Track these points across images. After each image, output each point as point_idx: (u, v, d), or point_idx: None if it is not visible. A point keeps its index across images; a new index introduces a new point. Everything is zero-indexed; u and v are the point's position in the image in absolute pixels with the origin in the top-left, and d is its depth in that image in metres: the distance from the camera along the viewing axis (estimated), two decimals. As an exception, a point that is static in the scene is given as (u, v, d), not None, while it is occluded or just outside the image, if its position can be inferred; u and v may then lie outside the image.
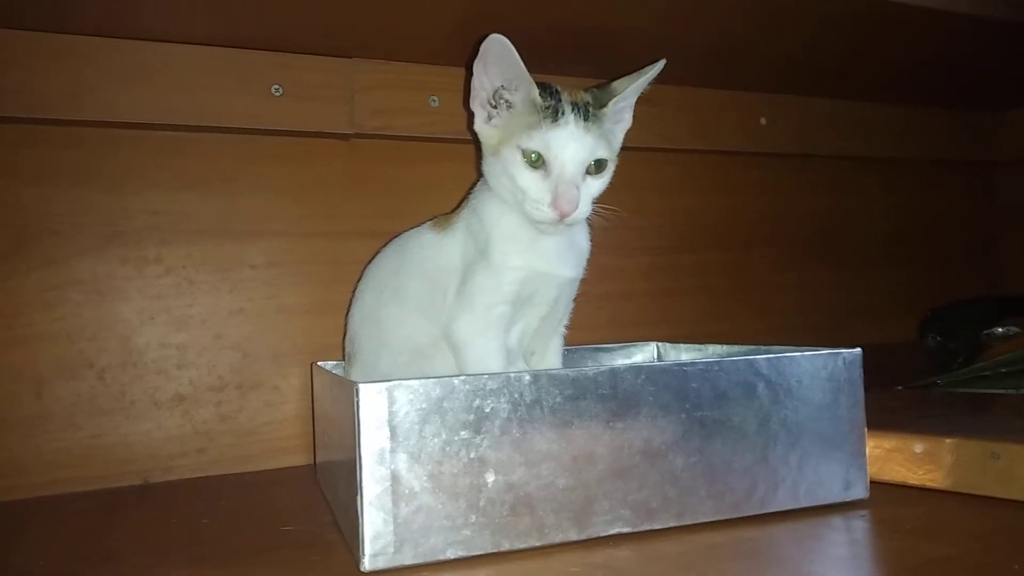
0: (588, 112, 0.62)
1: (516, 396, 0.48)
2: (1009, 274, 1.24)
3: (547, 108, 0.61)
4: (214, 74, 0.76)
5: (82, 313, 0.73)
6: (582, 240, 0.69)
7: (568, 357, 0.80)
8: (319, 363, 0.73)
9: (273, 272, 0.80)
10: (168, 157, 0.76)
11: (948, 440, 0.59)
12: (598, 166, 0.63)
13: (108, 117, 0.72)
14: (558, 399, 0.48)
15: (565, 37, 0.78)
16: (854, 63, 0.95)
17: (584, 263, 0.69)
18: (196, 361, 0.77)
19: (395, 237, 0.74)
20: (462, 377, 0.47)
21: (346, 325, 0.75)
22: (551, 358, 0.74)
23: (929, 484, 0.59)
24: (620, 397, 0.50)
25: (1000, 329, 0.96)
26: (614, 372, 0.50)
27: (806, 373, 0.55)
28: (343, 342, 0.76)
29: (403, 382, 0.46)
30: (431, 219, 0.72)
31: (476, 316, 0.64)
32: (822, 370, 0.55)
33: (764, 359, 0.54)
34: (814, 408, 0.55)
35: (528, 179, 0.61)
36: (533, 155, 0.61)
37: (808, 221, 1.11)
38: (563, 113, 0.61)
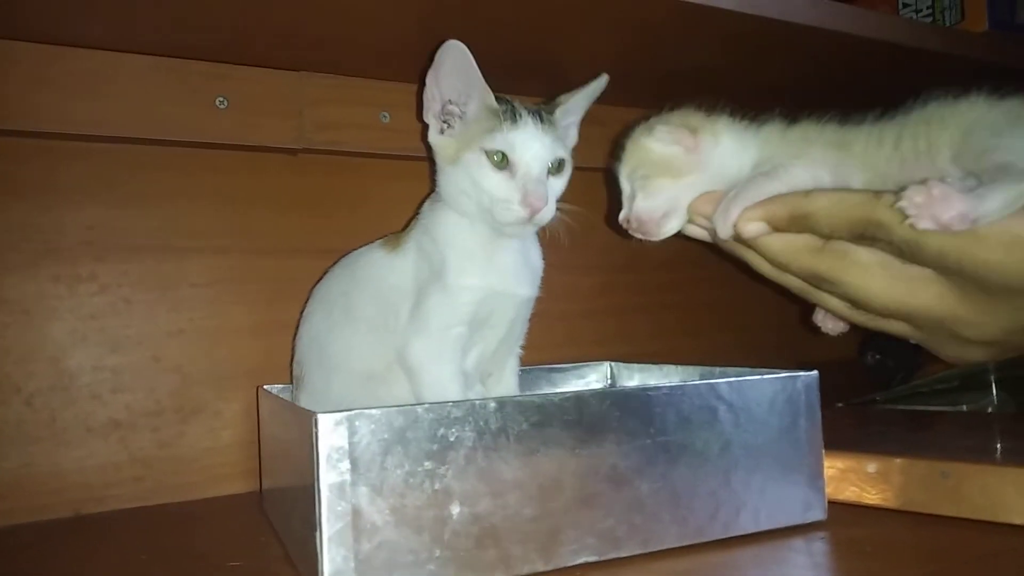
0: (542, 116, 0.63)
1: (481, 424, 0.46)
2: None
3: (505, 112, 0.61)
4: (156, 85, 0.72)
5: (8, 334, 0.68)
6: (535, 257, 0.69)
7: (523, 378, 0.79)
8: (265, 387, 0.71)
9: (215, 290, 0.77)
10: (106, 170, 0.73)
11: (898, 460, 0.60)
12: (559, 166, 0.64)
13: (42, 128, 0.68)
14: (524, 426, 0.47)
15: (518, 59, 0.77)
16: (807, 86, 0.97)
17: (539, 281, 0.69)
18: (132, 385, 0.73)
19: (343, 257, 0.72)
20: (425, 405, 0.45)
21: (293, 348, 0.72)
22: (507, 380, 0.73)
23: (883, 504, 0.60)
24: (586, 423, 0.49)
25: (936, 347, 0.99)
26: (580, 398, 0.49)
27: (766, 396, 0.55)
28: (291, 365, 0.73)
29: (364, 411, 0.44)
30: (381, 238, 0.71)
31: (432, 339, 0.63)
32: (781, 393, 0.56)
33: (725, 383, 0.54)
34: (774, 431, 0.55)
35: (494, 181, 0.61)
36: (497, 156, 0.61)
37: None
38: (520, 116, 0.62)
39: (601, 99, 0.78)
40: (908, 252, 0.40)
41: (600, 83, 0.68)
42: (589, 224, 0.98)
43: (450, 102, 0.63)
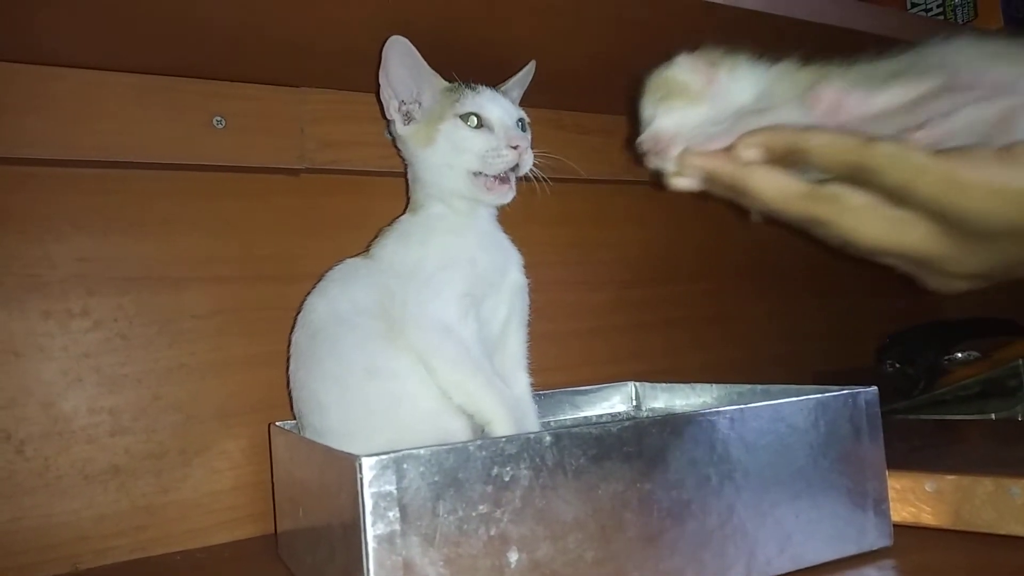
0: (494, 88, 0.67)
1: (537, 460, 0.42)
2: (949, 298, 1.27)
3: (461, 85, 0.65)
4: (148, 105, 0.68)
5: (-4, 378, 0.63)
6: (514, 249, 0.69)
7: (544, 402, 0.75)
8: (278, 423, 0.66)
9: (216, 322, 0.72)
10: (97, 197, 0.68)
11: (961, 477, 0.57)
12: (523, 126, 0.67)
13: (27, 154, 0.64)
14: (582, 460, 0.43)
15: (505, 70, 0.74)
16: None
17: (522, 268, 0.68)
18: (132, 426, 0.68)
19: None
20: (478, 443, 0.41)
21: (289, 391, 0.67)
22: (520, 394, 0.68)
23: (943, 525, 0.57)
24: (647, 454, 0.45)
25: (960, 354, 0.97)
26: (639, 427, 0.45)
27: (828, 415, 0.52)
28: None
29: (411, 452, 0.40)
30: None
31: (442, 302, 0.61)
32: (842, 411, 0.52)
33: (787, 403, 0.50)
34: (837, 452, 0.52)
35: (477, 138, 0.63)
36: (471, 119, 0.63)
37: (769, 250, 1.10)
38: (475, 86, 0.66)
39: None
40: (899, 195, 0.43)
41: (529, 69, 0.71)
42: (597, 240, 0.97)
43: (403, 103, 0.66)
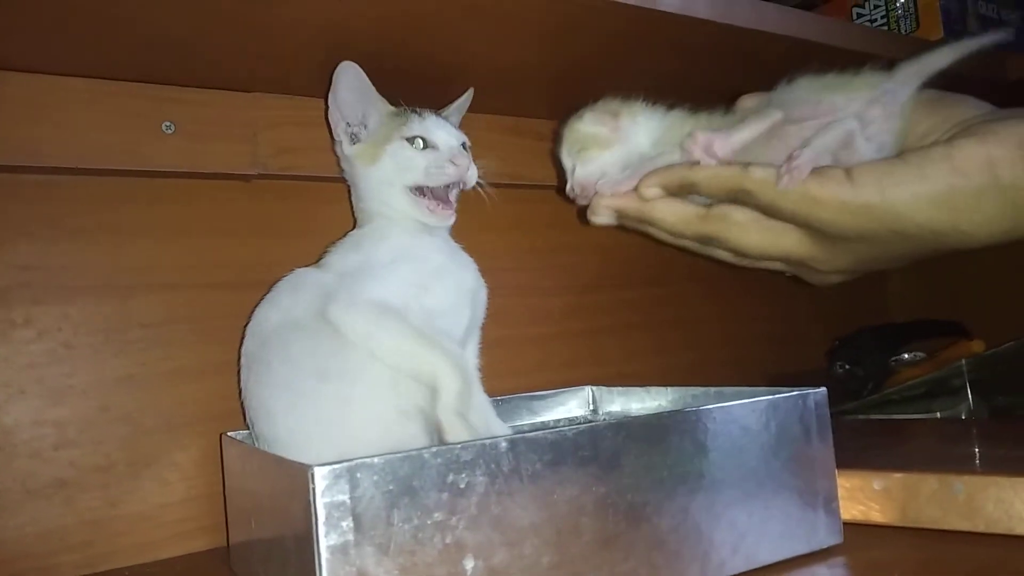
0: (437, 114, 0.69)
1: (493, 467, 0.42)
2: (894, 301, 1.30)
3: (407, 110, 0.67)
4: (96, 110, 0.66)
5: (-67, 391, 0.61)
6: (469, 258, 0.69)
7: (501, 407, 0.75)
8: (230, 434, 0.65)
9: (167, 331, 0.71)
10: (42, 204, 0.66)
11: (907, 475, 0.58)
12: (466, 148, 0.68)
13: (-36, 159, 0.62)
14: (538, 466, 0.43)
15: (459, 74, 0.74)
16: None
17: (480, 276, 0.68)
18: (78, 439, 0.66)
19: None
20: (432, 450, 0.41)
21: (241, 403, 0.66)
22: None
23: (891, 522, 0.58)
24: (602, 459, 0.45)
25: (907, 355, 1.00)
26: (594, 431, 0.45)
27: (779, 416, 0.53)
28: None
29: (365, 461, 0.39)
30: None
31: (383, 287, 0.59)
32: (793, 412, 0.53)
33: (739, 405, 0.51)
34: (789, 452, 0.53)
35: (422, 157, 0.64)
36: (417, 141, 0.65)
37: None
38: (420, 111, 0.67)
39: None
40: (770, 210, 0.52)
41: (467, 96, 0.73)
42: (554, 246, 0.97)
43: (349, 124, 0.67)
